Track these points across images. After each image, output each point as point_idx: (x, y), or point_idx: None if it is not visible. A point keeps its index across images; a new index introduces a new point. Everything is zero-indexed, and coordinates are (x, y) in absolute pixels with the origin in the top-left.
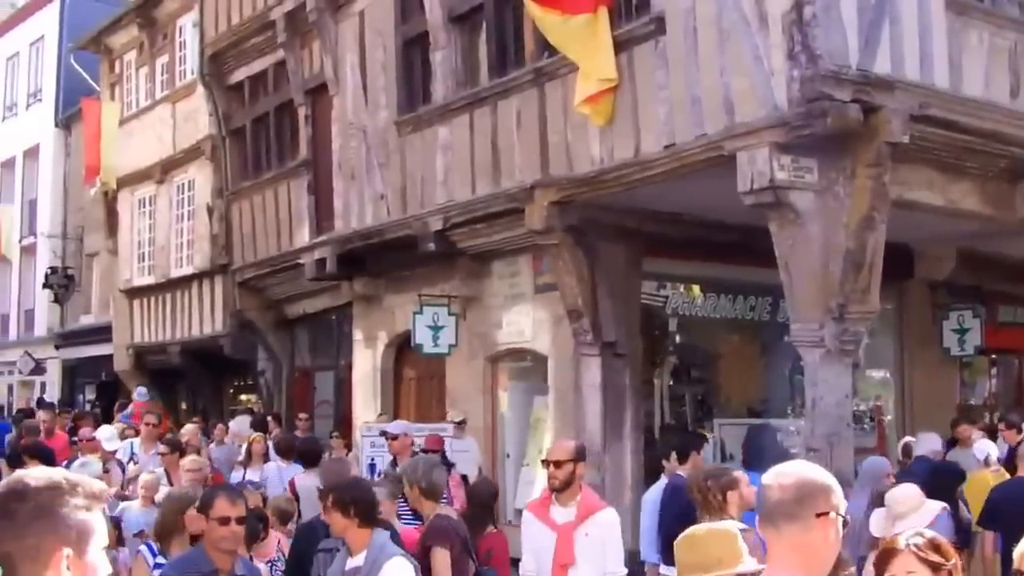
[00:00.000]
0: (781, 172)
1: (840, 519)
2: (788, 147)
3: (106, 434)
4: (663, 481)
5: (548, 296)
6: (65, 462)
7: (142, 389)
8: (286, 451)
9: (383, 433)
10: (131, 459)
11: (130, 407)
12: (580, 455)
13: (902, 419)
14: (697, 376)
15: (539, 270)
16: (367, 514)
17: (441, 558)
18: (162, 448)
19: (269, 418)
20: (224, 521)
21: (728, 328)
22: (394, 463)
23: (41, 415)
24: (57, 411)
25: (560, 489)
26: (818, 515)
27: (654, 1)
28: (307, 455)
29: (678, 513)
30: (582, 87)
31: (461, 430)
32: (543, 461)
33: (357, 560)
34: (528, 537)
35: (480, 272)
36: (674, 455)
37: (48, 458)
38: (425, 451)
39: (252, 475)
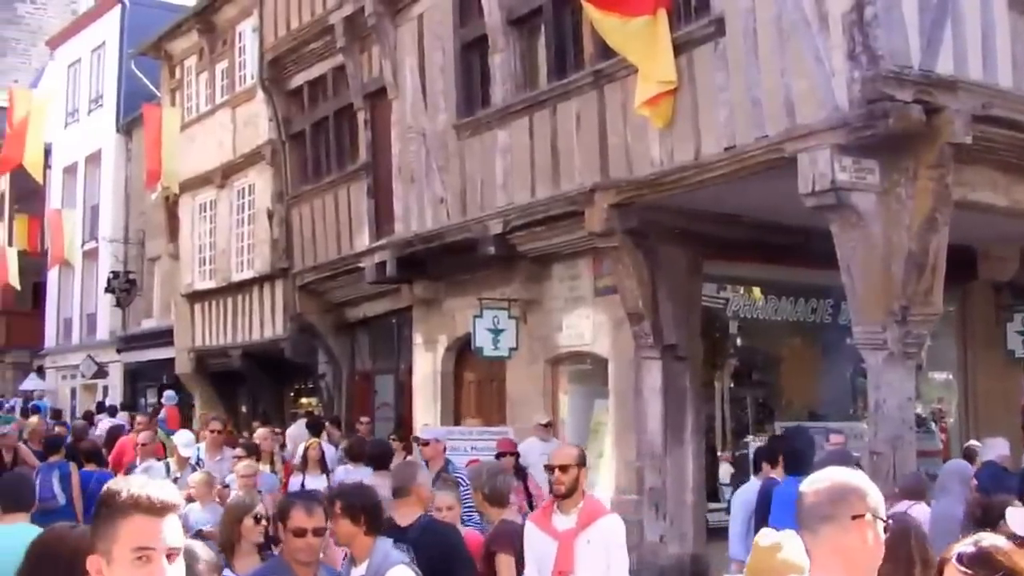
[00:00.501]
0: (843, 174)
1: (879, 522)
2: (849, 148)
3: (183, 440)
4: (754, 483)
5: (608, 299)
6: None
7: (170, 393)
8: (358, 455)
9: (415, 439)
10: (198, 463)
11: (162, 411)
12: (583, 460)
13: (965, 422)
14: (758, 379)
15: (599, 273)
16: (375, 522)
17: (506, 563)
18: (238, 452)
19: (327, 422)
20: (300, 533)
21: (789, 330)
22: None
23: (138, 419)
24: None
25: (564, 495)
26: (854, 517)
27: (713, 3)
28: (378, 458)
29: (768, 514)
30: (642, 89)
31: (548, 432)
32: (546, 467)
33: (360, 569)
34: (530, 547)
35: (540, 275)
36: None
37: (101, 460)
38: (500, 455)
39: (311, 482)
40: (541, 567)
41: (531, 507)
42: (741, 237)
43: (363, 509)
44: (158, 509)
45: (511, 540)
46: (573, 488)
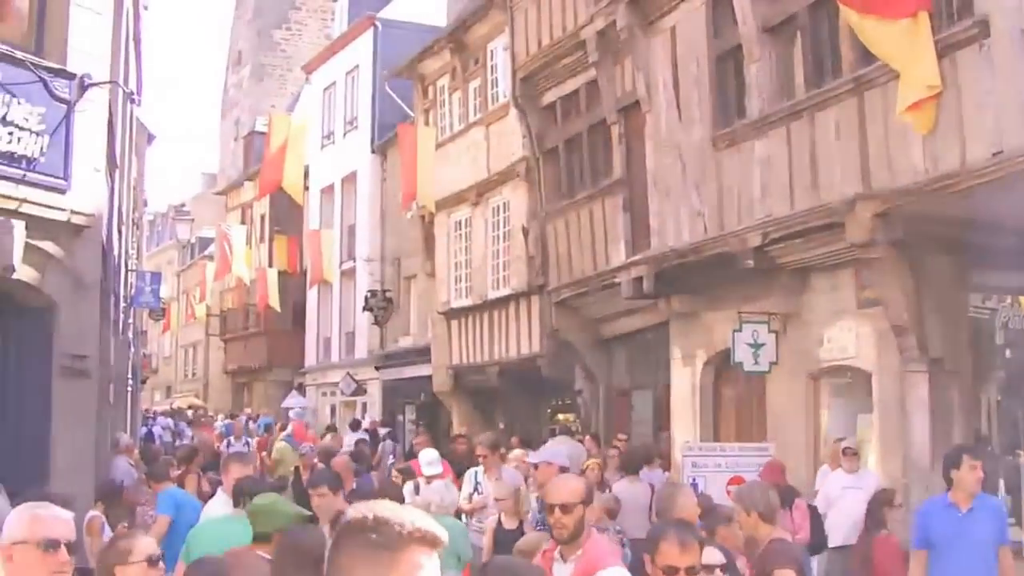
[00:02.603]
0: None
1: None
2: None
3: (427, 458)
4: None
5: (871, 311)
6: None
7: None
8: (628, 467)
9: (533, 465)
10: (475, 489)
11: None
12: (590, 496)
13: None
14: None
15: (862, 285)
16: None
17: None
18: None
19: (588, 436)
20: (670, 572)
21: None
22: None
23: (416, 440)
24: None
25: (568, 540)
26: None
27: (977, 3)
28: (629, 467)
29: None
30: (904, 95)
31: (854, 461)
32: (548, 505)
33: None
34: None
35: (800, 288)
36: None
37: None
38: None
39: None
40: None
41: None
42: (1010, 245)
43: None
44: (432, 542)
45: (793, 556)
46: (578, 531)
